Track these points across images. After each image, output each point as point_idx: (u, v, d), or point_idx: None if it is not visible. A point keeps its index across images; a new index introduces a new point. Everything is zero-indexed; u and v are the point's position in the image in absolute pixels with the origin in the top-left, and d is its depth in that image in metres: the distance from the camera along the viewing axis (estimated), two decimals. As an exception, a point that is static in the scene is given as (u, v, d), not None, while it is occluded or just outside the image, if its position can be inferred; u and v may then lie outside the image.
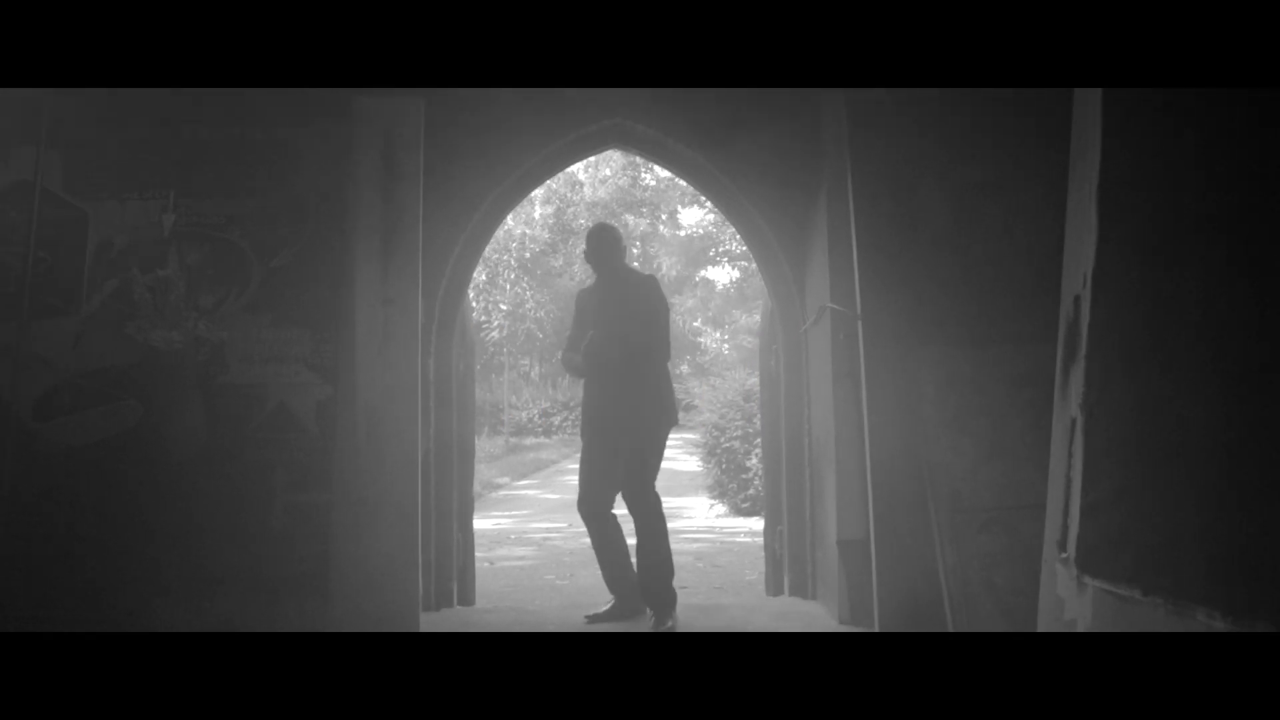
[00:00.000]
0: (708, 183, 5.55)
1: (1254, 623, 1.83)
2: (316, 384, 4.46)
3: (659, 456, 4.61)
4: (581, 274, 27.07)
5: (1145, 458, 2.28)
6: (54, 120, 4.44)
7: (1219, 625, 1.93)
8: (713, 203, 5.78)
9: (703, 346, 35.93)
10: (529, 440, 25.46)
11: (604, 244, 4.73)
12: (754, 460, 10.78)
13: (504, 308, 26.11)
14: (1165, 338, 2.28)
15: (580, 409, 4.71)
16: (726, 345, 33.75)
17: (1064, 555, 2.64)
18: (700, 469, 14.13)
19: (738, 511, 11.60)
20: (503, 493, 15.20)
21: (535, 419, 27.92)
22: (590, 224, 9.51)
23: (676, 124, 5.31)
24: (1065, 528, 2.65)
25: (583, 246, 4.74)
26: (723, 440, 12.36)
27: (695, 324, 36.01)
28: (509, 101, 5.12)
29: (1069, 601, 2.61)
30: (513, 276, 26.44)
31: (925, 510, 4.30)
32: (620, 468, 4.56)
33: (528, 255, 26.97)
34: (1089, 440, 2.51)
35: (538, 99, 5.14)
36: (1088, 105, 2.81)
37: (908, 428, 4.39)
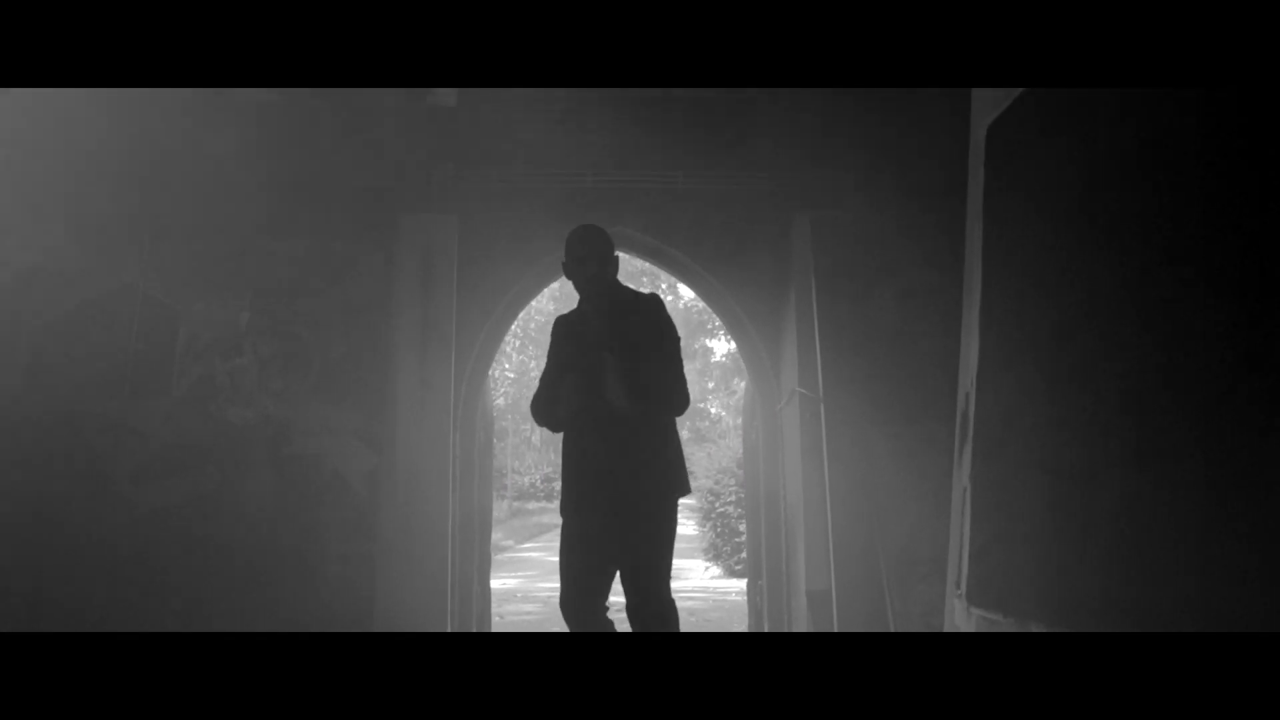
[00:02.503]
0: (696, 280, 6.44)
1: (1060, 625, 2.68)
2: (366, 454, 5.30)
3: (673, 539, 3.26)
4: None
5: (1002, 519, 3.12)
6: (155, 235, 5.37)
7: (1042, 629, 2.76)
8: (700, 296, 6.65)
9: (707, 413, 36.58)
10: (531, 504, 26.19)
11: (591, 250, 3.28)
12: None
13: (510, 375, 27.05)
14: (1014, 428, 3.14)
15: (560, 475, 3.41)
16: (724, 412, 34.49)
17: (958, 592, 3.45)
18: (696, 532, 14.80)
19: (731, 573, 12.25)
20: (508, 555, 15.85)
21: (538, 483, 28.64)
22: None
23: (669, 230, 6.20)
24: (960, 571, 3.48)
25: (560, 258, 3.42)
26: (717, 505, 13.02)
27: (710, 385, 36.70)
28: (529, 210, 6.03)
29: (963, 628, 3.42)
30: (517, 344, 27.45)
31: (877, 563, 5.10)
32: (625, 562, 3.23)
33: (533, 326, 27.96)
34: (973, 504, 3.35)
35: (554, 209, 6.06)
36: (973, 238, 3.70)
37: (863, 493, 5.21)
